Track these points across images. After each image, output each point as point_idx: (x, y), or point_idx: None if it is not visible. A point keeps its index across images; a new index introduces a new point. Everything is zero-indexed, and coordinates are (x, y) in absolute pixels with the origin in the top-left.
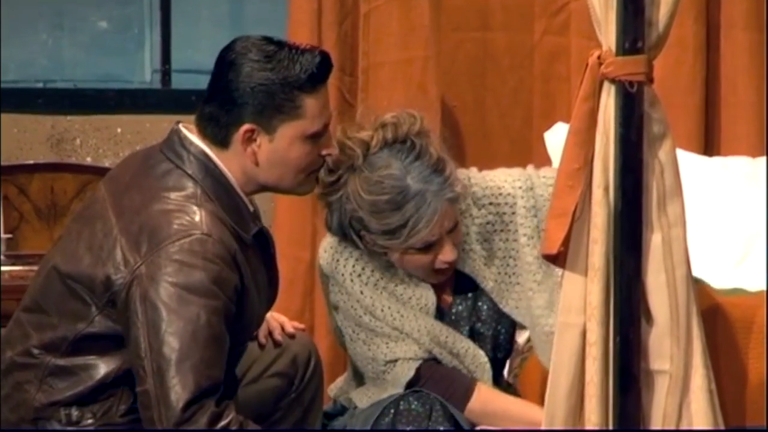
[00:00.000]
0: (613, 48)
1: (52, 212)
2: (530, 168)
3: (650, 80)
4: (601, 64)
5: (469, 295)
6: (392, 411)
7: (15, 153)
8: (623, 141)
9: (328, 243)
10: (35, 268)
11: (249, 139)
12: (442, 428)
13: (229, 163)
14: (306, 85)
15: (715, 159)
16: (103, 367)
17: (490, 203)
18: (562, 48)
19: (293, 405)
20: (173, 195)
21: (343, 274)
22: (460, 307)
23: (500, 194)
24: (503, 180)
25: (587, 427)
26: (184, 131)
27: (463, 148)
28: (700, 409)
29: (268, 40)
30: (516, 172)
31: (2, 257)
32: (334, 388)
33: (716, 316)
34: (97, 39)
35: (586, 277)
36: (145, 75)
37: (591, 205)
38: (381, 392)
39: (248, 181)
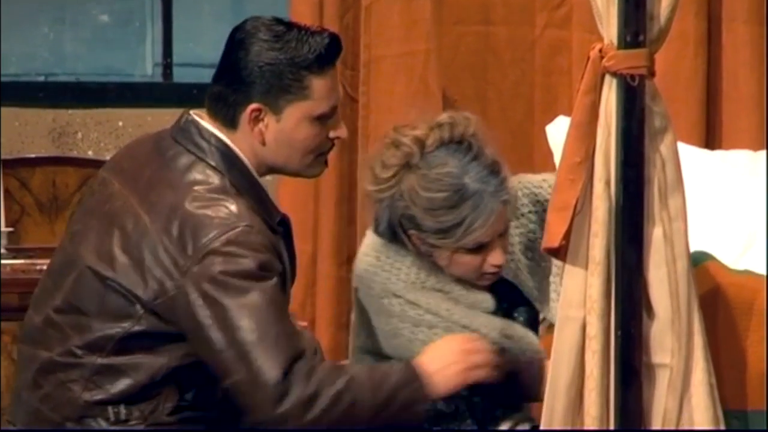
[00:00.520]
0: (615, 41)
1: (53, 206)
2: None
3: (651, 74)
4: (602, 57)
5: (504, 305)
6: None
7: (16, 146)
8: (624, 134)
9: (370, 247)
10: (37, 261)
11: (256, 118)
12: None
13: (240, 144)
14: (314, 65)
15: (717, 152)
16: (151, 365)
17: (529, 211)
18: (564, 41)
19: None
20: (203, 189)
21: (397, 278)
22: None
23: (537, 201)
24: (538, 185)
25: (587, 420)
26: (201, 121)
27: None
28: (700, 403)
29: (279, 20)
30: (552, 177)
31: (3, 251)
32: None
33: (719, 297)
34: (99, 32)
35: (587, 270)
36: (147, 68)
37: (592, 198)
38: None
39: (259, 163)
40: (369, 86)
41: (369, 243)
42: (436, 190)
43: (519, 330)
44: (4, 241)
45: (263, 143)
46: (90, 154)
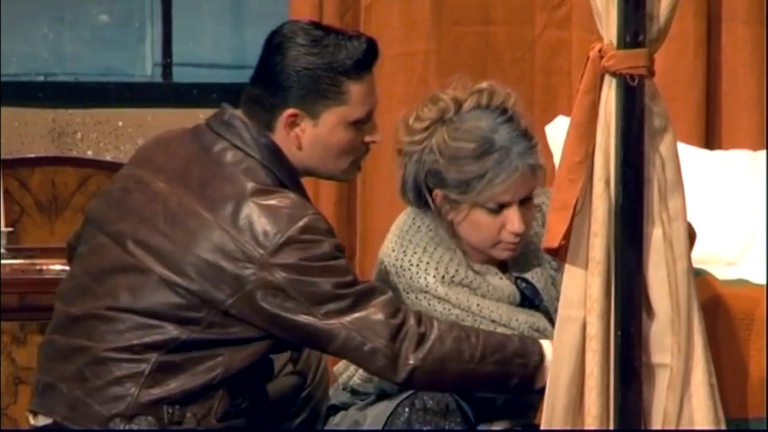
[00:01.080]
0: (615, 41)
1: (53, 206)
2: None
3: (651, 74)
4: (602, 57)
5: (526, 304)
6: (407, 409)
7: (16, 146)
8: (624, 134)
9: (395, 242)
10: (36, 261)
11: (293, 123)
12: (457, 428)
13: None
14: (351, 71)
15: (716, 152)
16: (211, 368)
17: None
18: (563, 41)
19: (308, 399)
20: (260, 181)
21: (426, 274)
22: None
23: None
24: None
25: (587, 420)
26: (246, 119)
27: None
28: (701, 404)
29: (316, 24)
30: None
31: (3, 251)
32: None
33: (719, 308)
34: (98, 32)
35: (587, 270)
36: (146, 68)
37: (592, 198)
38: None
39: (295, 165)
40: None
41: (392, 241)
42: (465, 139)
43: (548, 324)
44: (3, 241)
45: (299, 147)
46: (89, 154)
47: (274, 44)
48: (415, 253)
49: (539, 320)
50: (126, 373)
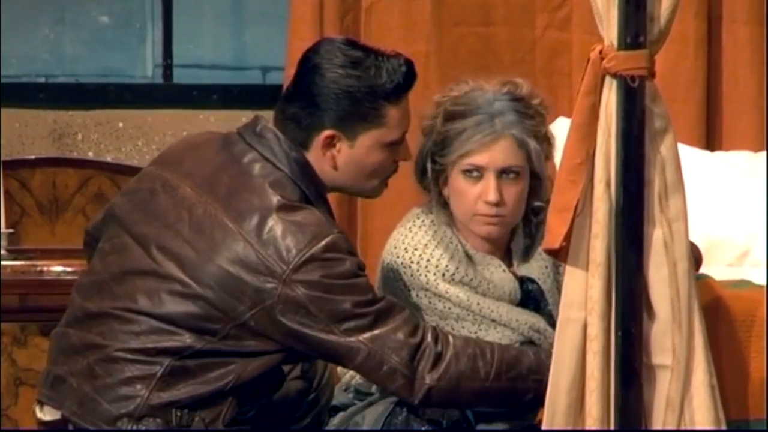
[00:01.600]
0: (615, 43)
1: (53, 207)
2: None
3: (652, 75)
4: (602, 58)
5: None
6: (405, 409)
7: (16, 148)
8: (625, 136)
9: (398, 240)
10: (37, 262)
11: (329, 144)
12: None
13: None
14: (391, 95)
15: (717, 153)
16: (223, 375)
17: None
18: (564, 43)
19: (313, 403)
20: (287, 196)
21: (426, 271)
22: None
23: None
24: None
25: (588, 421)
26: (279, 133)
27: None
28: (701, 405)
29: (353, 44)
30: None
31: (3, 252)
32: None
33: (719, 309)
34: (99, 33)
35: (588, 271)
36: (147, 70)
37: (592, 199)
38: None
39: (326, 183)
40: None
41: (397, 239)
42: (460, 103)
43: (548, 326)
44: (4, 243)
45: (335, 168)
46: (90, 155)
47: (313, 64)
48: (416, 250)
49: (539, 321)
50: (138, 374)
